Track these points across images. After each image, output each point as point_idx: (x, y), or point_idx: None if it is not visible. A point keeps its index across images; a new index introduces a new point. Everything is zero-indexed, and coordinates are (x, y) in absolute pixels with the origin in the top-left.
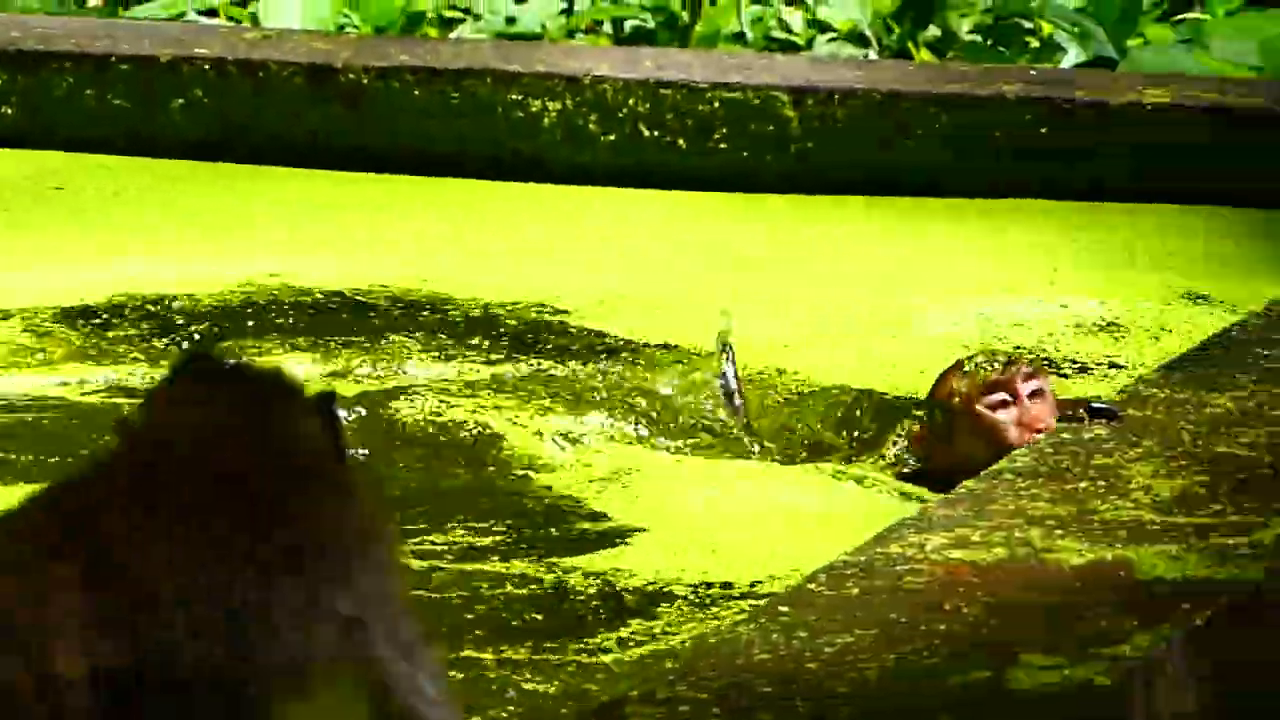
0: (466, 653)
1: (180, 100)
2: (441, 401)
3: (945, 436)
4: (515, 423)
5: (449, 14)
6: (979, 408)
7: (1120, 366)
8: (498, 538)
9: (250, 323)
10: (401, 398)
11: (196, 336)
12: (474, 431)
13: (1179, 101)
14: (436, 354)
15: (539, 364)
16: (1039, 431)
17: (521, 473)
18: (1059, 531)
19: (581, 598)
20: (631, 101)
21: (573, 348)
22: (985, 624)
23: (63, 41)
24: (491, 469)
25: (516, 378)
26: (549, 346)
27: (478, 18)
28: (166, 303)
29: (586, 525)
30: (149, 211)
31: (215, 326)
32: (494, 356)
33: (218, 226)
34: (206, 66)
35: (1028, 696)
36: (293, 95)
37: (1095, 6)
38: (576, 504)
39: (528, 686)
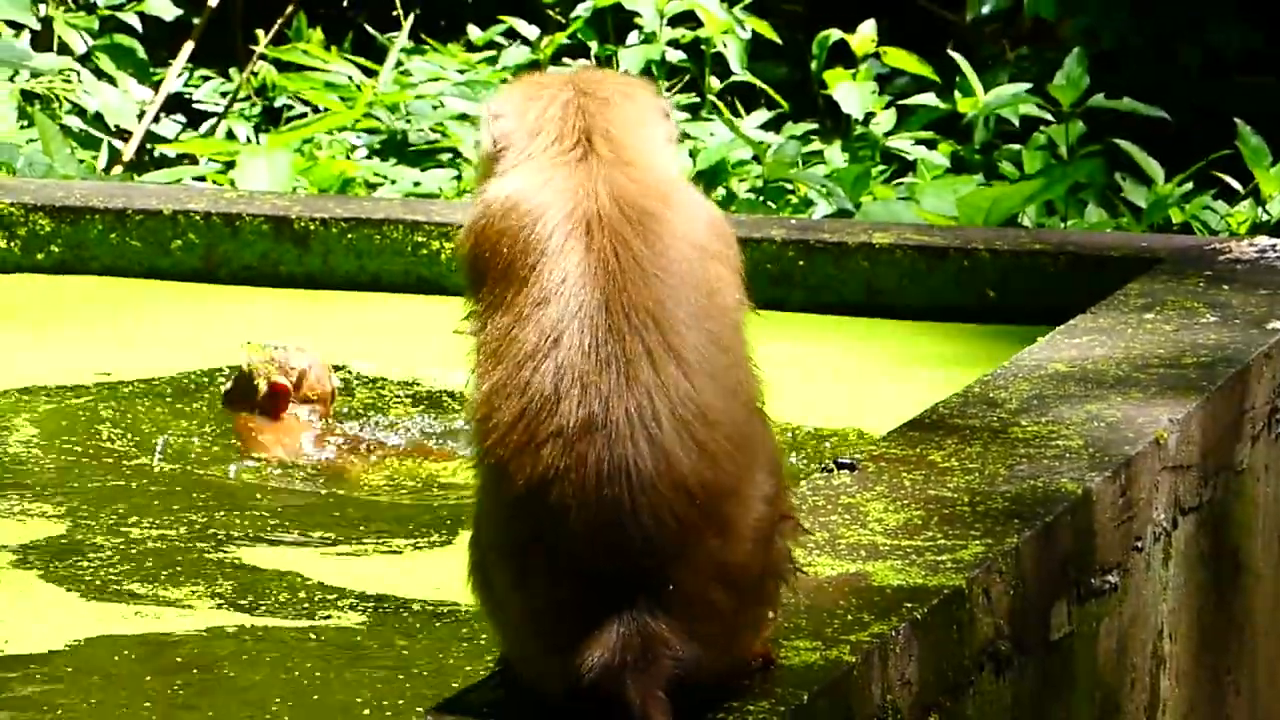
0: None
1: (179, 241)
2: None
3: None
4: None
5: (373, 180)
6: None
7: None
8: None
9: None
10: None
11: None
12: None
13: (898, 242)
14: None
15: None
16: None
17: None
18: (816, 551)
19: None
20: None
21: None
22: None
23: (93, 198)
24: None
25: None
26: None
27: (393, 182)
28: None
29: None
30: (154, 319)
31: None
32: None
33: (206, 328)
34: (198, 217)
35: (795, 669)
36: (259, 237)
37: (838, 173)
38: None
39: None
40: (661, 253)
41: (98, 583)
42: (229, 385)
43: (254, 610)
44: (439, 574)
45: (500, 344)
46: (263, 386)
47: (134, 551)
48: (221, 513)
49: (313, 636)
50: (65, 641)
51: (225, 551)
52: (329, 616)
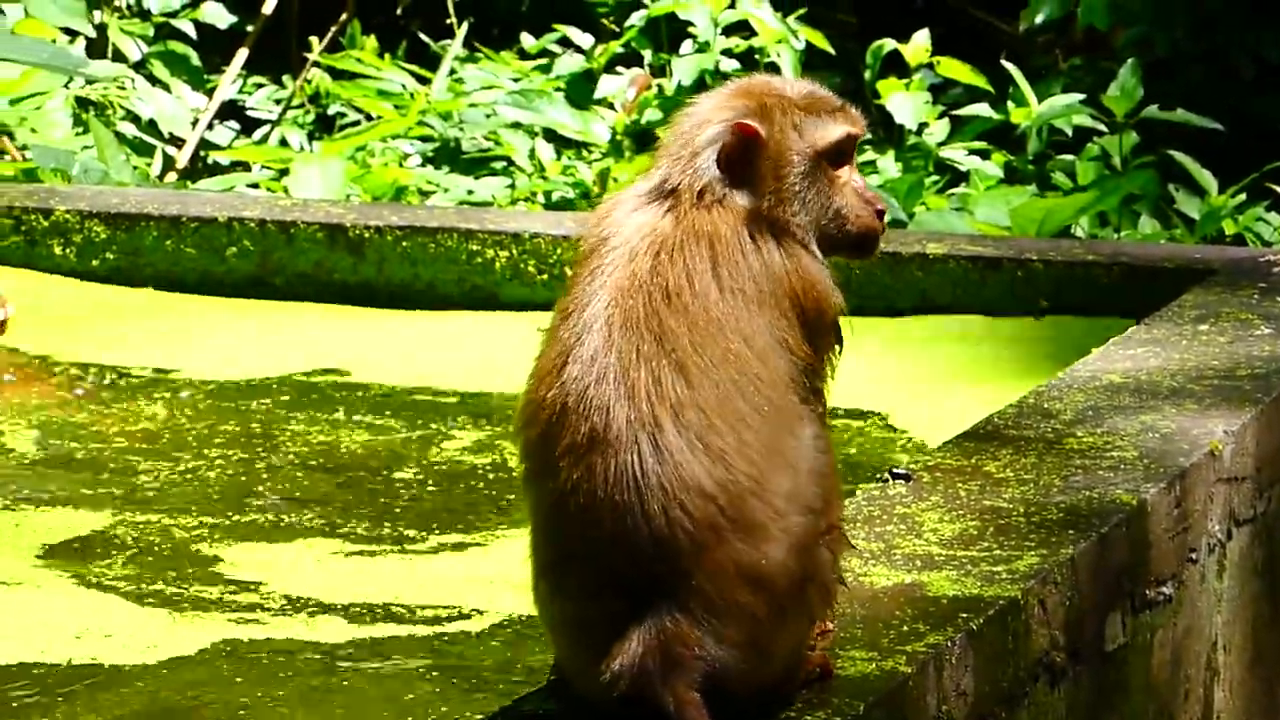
0: None
1: (234, 249)
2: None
3: None
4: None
5: (426, 188)
6: None
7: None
8: None
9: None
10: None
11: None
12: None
13: (952, 252)
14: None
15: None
16: None
17: None
18: (871, 561)
19: None
20: (559, 250)
21: None
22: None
23: (148, 205)
24: None
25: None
26: None
27: (446, 190)
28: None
29: None
30: (210, 326)
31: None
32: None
33: (262, 337)
34: (253, 224)
35: (851, 680)
36: (313, 245)
37: (891, 183)
38: None
39: None
40: (692, 281)
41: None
42: None
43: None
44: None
45: (537, 359)
46: None
47: (165, 551)
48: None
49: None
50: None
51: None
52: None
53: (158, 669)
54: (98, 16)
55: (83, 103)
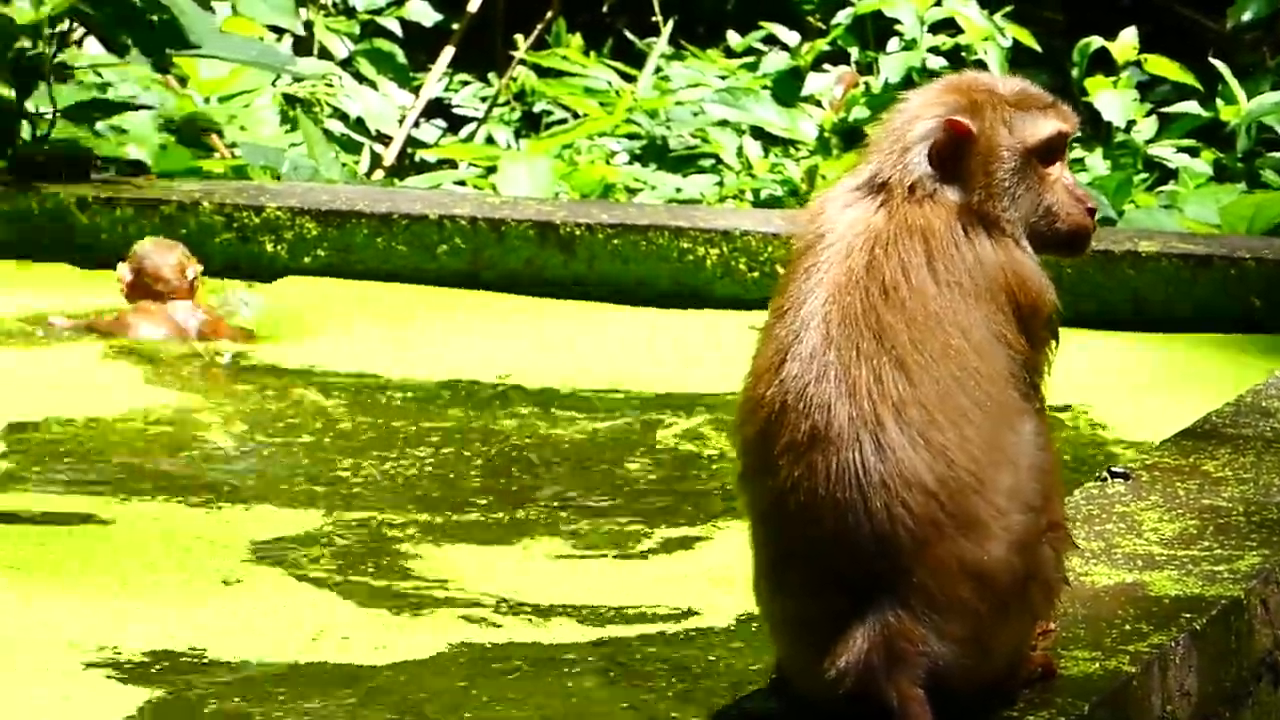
0: None
1: (445, 246)
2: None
3: None
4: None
5: (633, 185)
6: None
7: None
8: None
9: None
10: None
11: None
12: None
13: (1164, 250)
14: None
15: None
16: None
17: None
18: (1093, 560)
19: None
20: (769, 248)
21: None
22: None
23: (359, 202)
24: None
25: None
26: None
27: (653, 188)
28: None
29: None
30: (421, 322)
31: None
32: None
33: (474, 333)
34: (464, 221)
35: (1074, 679)
36: (524, 242)
37: (1100, 180)
38: None
39: None
40: (909, 275)
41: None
42: (128, 289)
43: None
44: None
45: (753, 359)
46: (119, 280)
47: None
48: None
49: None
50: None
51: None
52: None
53: (392, 670)
54: (304, 14)
55: (290, 100)
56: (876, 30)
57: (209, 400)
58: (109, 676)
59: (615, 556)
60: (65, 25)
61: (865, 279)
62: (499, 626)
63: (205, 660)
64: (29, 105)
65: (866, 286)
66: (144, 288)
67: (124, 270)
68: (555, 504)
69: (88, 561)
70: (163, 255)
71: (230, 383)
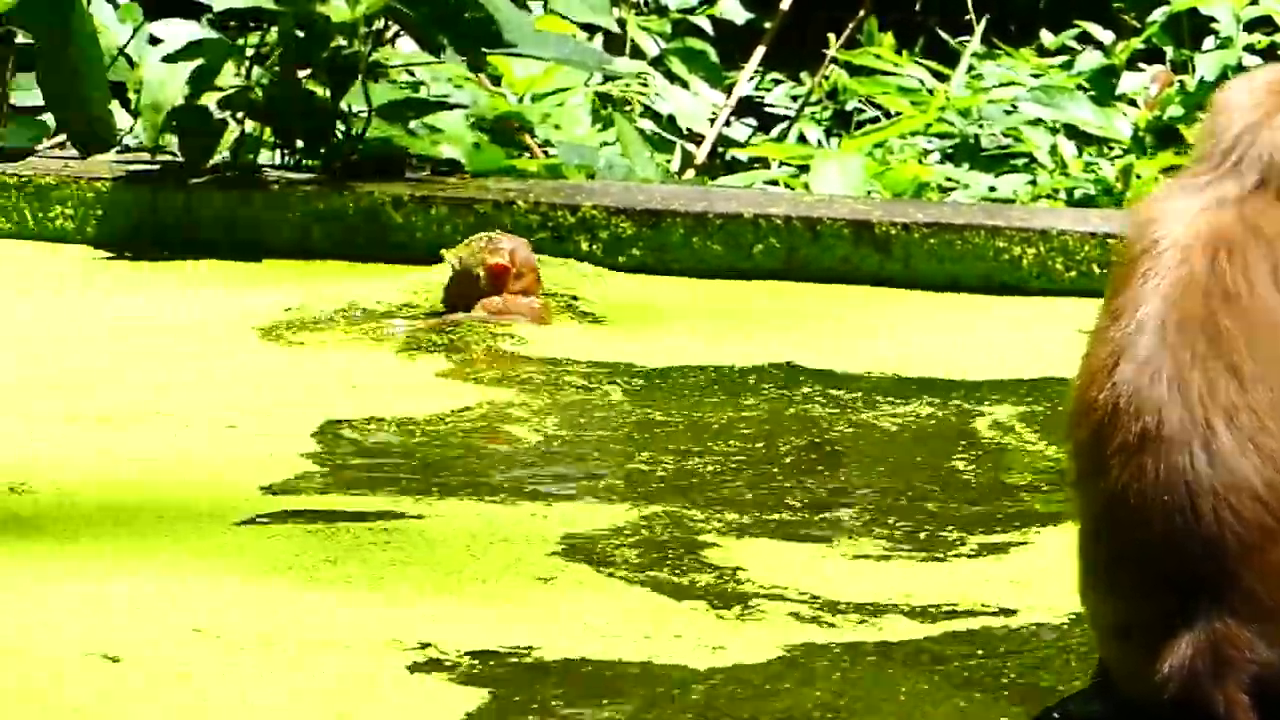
0: None
1: (760, 246)
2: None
3: None
4: None
5: (946, 185)
6: None
7: None
8: None
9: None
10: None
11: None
12: None
13: None
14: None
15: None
16: None
17: None
18: None
19: None
20: (1086, 248)
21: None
22: None
23: (675, 202)
24: None
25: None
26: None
27: (966, 187)
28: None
29: None
30: (737, 318)
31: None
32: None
33: (789, 327)
34: (779, 220)
35: None
36: (839, 241)
37: None
38: None
39: None
40: (1251, 282)
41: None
42: (446, 288)
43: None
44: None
45: (1084, 361)
46: (482, 273)
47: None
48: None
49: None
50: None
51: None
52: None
53: (733, 671)
54: (616, 13)
55: (603, 99)
56: (1192, 28)
57: (517, 396)
58: (434, 678)
59: (934, 554)
60: (380, 24)
61: (1206, 284)
62: (831, 626)
63: (532, 660)
64: (343, 105)
65: (1207, 291)
66: (503, 287)
67: (490, 259)
68: (869, 499)
69: (400, 561)
70: (527, 249)
71: (538, 377)
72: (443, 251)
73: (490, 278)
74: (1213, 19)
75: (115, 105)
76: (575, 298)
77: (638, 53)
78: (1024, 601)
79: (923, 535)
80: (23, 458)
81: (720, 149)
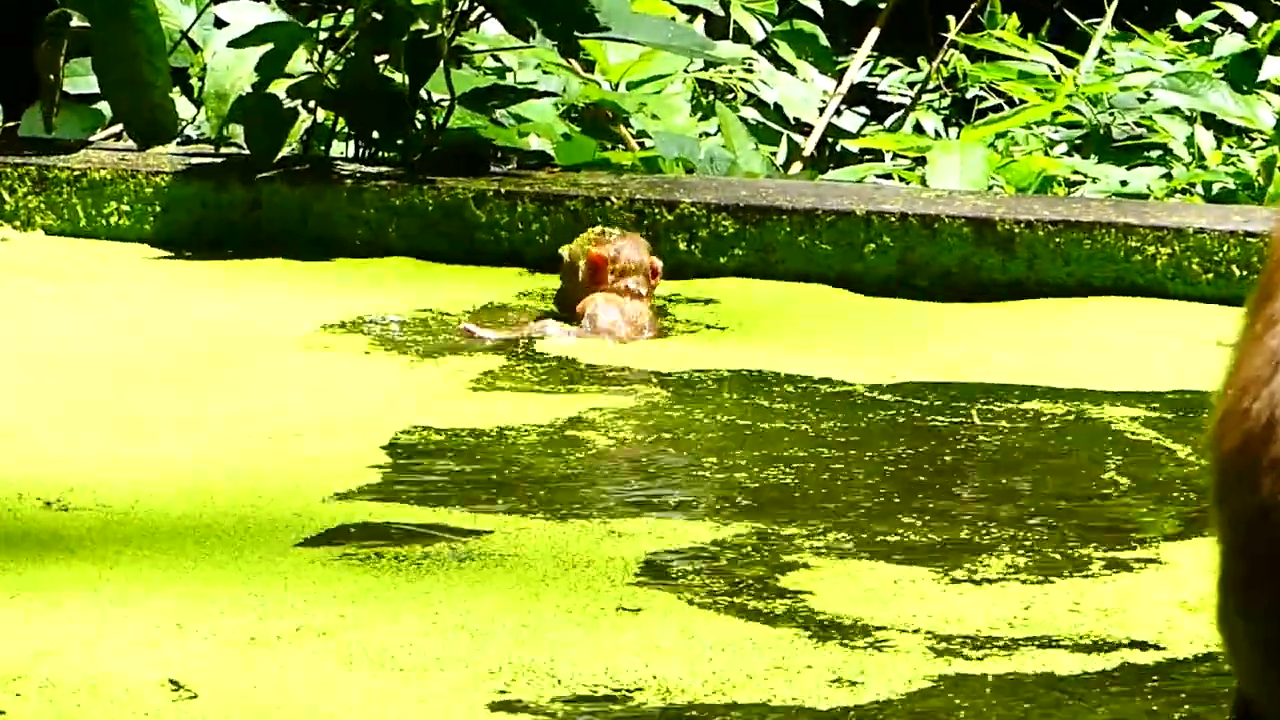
0: None
1: (872, 245)
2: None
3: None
4: None
5: (1073, 178)
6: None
7: None
8: None
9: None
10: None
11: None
12: None
13: None
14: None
15: None
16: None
17: None
18: None
19: None
20: (1225, 248)
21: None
22: None
23: (780, 197)
24: None
25: None
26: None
27: (1095, 181)
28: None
29: None
30: (847, 326)
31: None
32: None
33: (905, 332)
34: (893, 218)
35: None
36: (959, 241)
37: None
38: None
39: None
40: None
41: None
42: (560, 284)
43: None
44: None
45: (1234, 369)
46: (583, 264)
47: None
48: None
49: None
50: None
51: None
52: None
53: (871, 707)
54: None
55: (704, 86)
56: None
57: (600, 406)
58: (521, 710)
59: (1066, 576)
60: (464, 5)
61: None
62: (967, 659)
63: (629, 694)
64: (423, 93)
65: None
66: (601, 281)
67: (593, 249)
68: (995, 518)
69: (474, 584)
70: (638, 252)
71: (622, 386)
72: (560, 249)
73: (589, 269)
74: None
75: (177, 93)
76: (670, 299)
77: (742, 36)
78: (1164, 628)
79: (1056, 556)
80: (66, 470)
81: (830, 140)
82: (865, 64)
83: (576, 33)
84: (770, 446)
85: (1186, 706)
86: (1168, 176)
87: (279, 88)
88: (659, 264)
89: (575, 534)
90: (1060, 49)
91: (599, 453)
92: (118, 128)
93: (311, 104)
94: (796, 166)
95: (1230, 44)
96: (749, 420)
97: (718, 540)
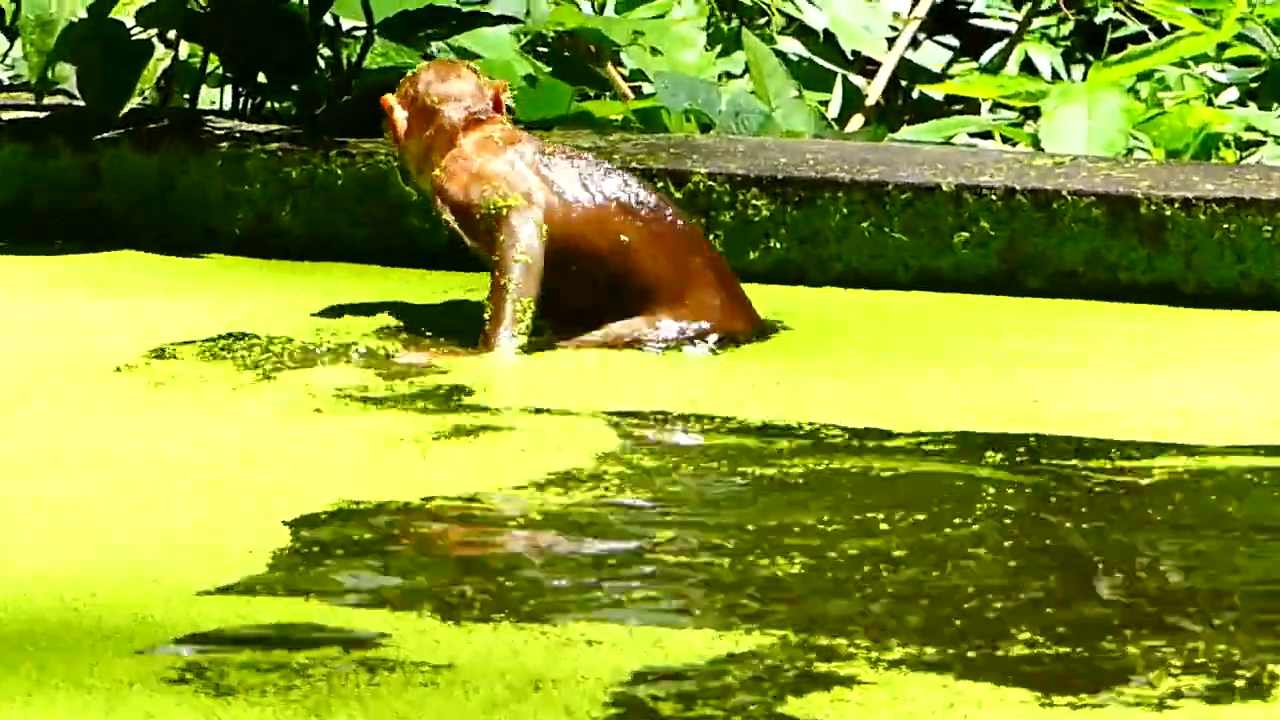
0: None
1: (966, 234)
2: None
3: None
4: None
5: (1247, 137)
6: None
7: None
8: None
9: None
10: None
11: None
12: None
13: None
14: None
15: None
16: None
17: None
18: None
19: None
20: None
21: None
22: None
23: (834, 166)
24: None
25: None
26: None
27: (1278, 140)
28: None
29: None
30: (930, 343)
31: None
32: None
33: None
34: (993, 197)
35: None
36: (1085, 227)
37: None
38: None
39: None
40: None
41: None
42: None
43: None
44: None
45: None
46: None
47: None
48: None
49: None
50: None
51: None
52: None
53: None
54: None
55: (725, 6)
56: None
57: (578, 457)
58: None
59: (1236, 703)
60: None
61: None
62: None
63: None
64: (328, 18)
65: None
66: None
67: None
68: (1136, 620)
69: (394, 714)
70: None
71: (609, 430)
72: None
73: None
74: None
75: None
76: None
77: None
78: None
79: (1215, 672)
80: None
81: (904, 83)
82: None
83: None
84: (817, 518)
85: None
86: None
87: (125, 11)
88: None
89: (530, 644)
90: None
91: (560, 527)
92: None
93: (171, 34)
94: (857, 121)
95: None
96: (774, 485)
97: (739, 651)
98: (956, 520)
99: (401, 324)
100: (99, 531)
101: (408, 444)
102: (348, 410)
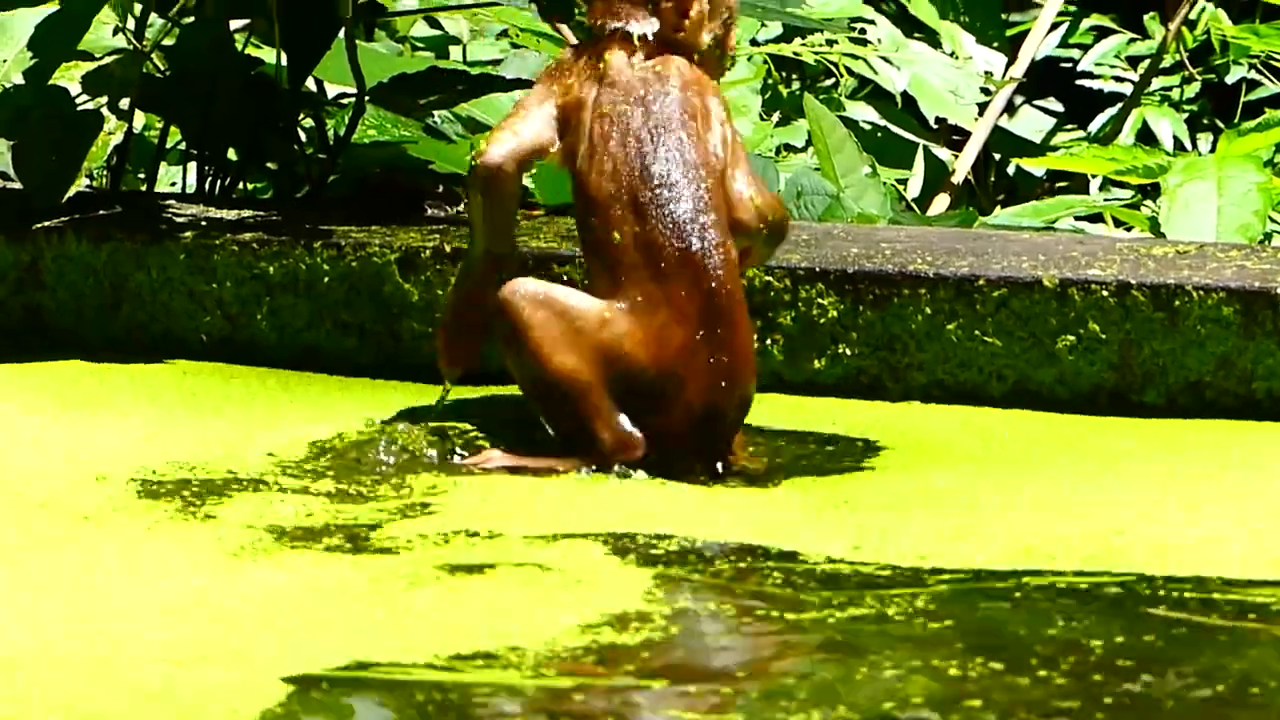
0: None
1: (1071, 337)
2: None
3: None
4: None
5: None
6: None
7: None
8: None
9: None
10: None
11: None
12: None
13: None
14: None
15: None
16: None
17: None
18: None
19: None
20: None
21: None
22: None
23: (913, 258)
24: None
25: None
26: None
27: None
28: None
29: None
30: (1034, 471)
31: None
32: None
33: (1128, 485)
34: (1104, 292)
35: None
36: (1217, 330)
37: None
38: None
39: None
40: None
41: None
42: None
43: None
44: None
45: None
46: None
47: None
48: None
49: None
50: None
51: None
52: None
53: None
54: None
55: (784, 67)
56: None
57: (611, 615)
58: None
59: None
60: None
61: None
62: None
63: None
64: (310, 82)
65: None
66: None
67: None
68: None
69: None
70: None
71: (652, 581)
72: None
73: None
74: None
75: None
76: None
77: None
78: None
79: None
80: None
81: (997, 156)
82: (1055, 27)
83: None
84: (907, 688)
85: None
86: None
87: (70, 76)
88: None
89: None
90: None
91: (619, 693)
92: None
93: (124, 103)
94: (942, 203)
95: None
96: (856, 653)
97: None
98: (1097, 690)
99: (404, 436)
100: None
101: (426, 608)
102: (299, 557)
